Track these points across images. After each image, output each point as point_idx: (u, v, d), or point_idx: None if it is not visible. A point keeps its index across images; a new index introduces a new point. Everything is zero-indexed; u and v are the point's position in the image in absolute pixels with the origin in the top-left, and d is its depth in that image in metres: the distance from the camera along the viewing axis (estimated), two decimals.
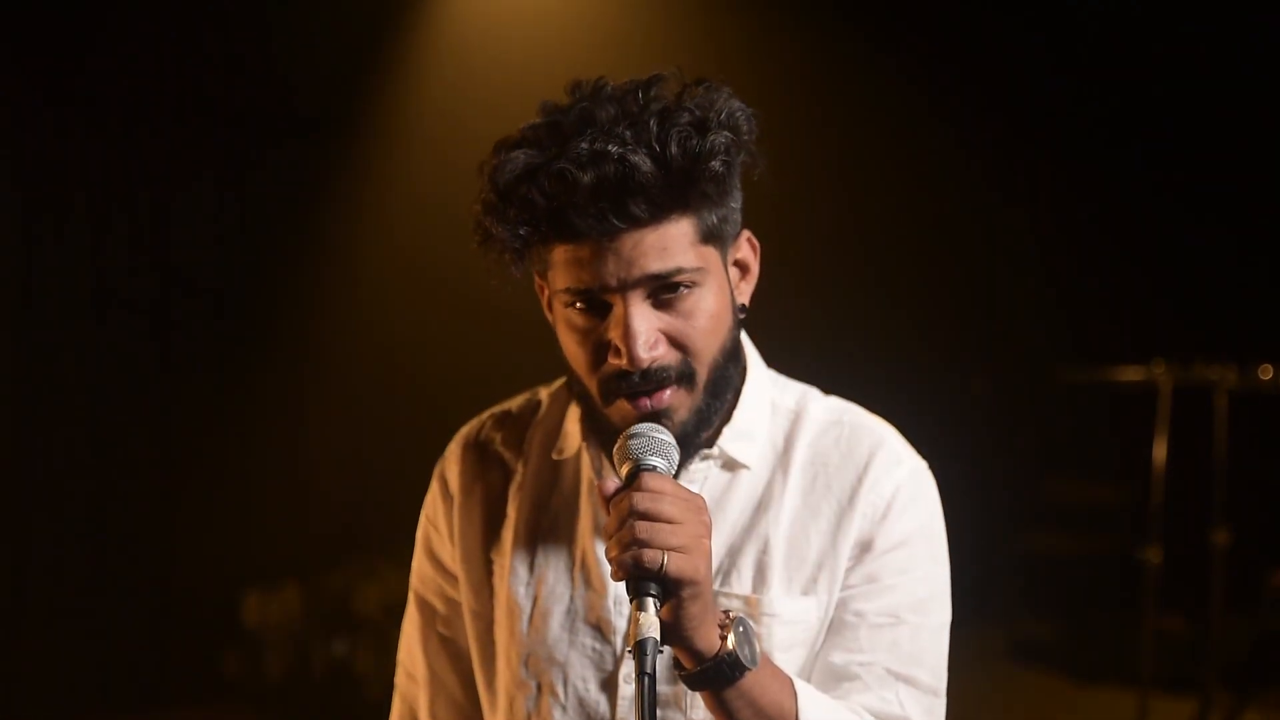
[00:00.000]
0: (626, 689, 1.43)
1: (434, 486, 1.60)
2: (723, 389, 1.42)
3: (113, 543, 5.02)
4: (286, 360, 5.43)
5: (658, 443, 1.30)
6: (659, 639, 1.19)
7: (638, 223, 1.29)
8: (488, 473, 1.56)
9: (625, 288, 1.31)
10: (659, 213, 1.30)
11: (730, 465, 1.48)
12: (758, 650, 1.29)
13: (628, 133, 1.28)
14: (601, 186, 1.27)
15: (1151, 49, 5.55)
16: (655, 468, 1.28)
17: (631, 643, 1.19)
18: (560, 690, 1.45)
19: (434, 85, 5.39)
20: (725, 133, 1.30)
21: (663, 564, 1.20)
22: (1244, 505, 4.53)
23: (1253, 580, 5.07)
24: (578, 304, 1.34)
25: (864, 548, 1.44)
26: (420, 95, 5.43)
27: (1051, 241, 6.11)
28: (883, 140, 5.70)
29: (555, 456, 1.53)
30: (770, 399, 1.51)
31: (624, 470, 1.29)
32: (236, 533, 5.20)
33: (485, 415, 1.62)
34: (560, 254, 1.33)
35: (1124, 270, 5.84)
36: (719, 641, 1.26)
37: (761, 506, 1.46)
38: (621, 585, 1.31)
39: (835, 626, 1.44)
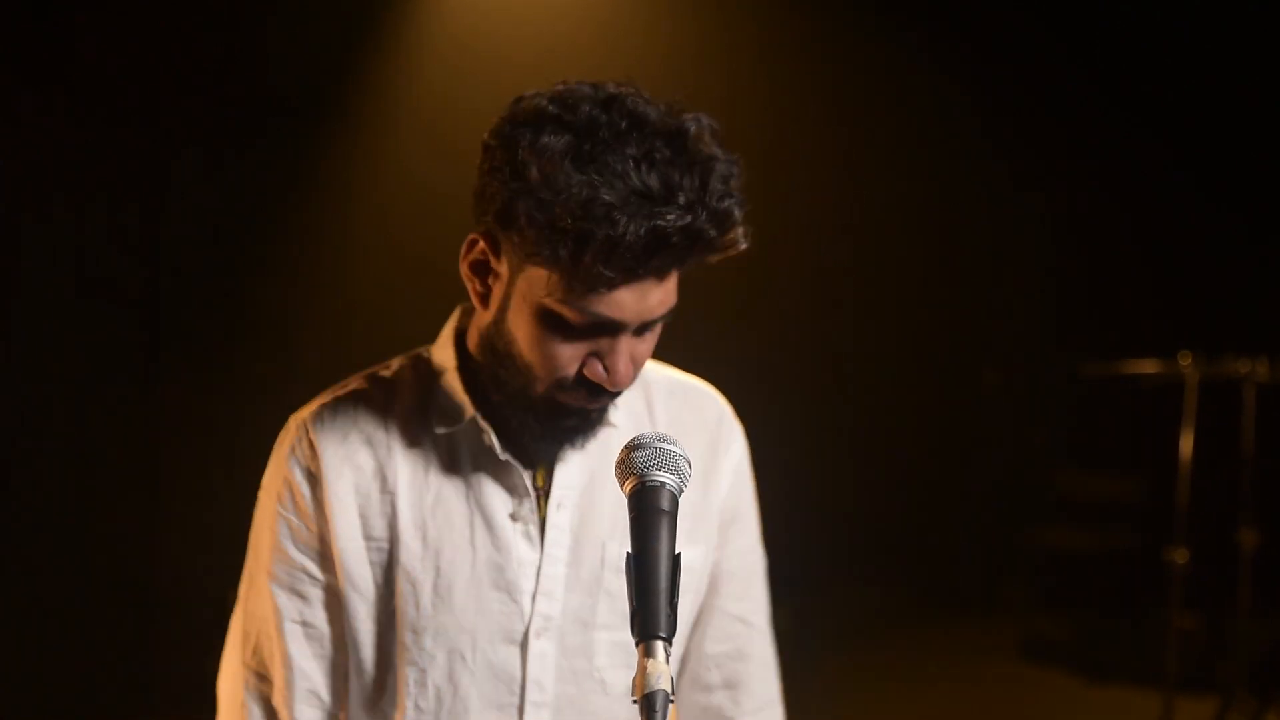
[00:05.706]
0: (537, 644, 1.48)
1: (286, 473, 1.54)
2: None
3: (96, 544, 4.89)
4: (276, 353, 5.30)
5: (666, 455, 1.15)
6: (670, 691, 1.03)
7: (661, 277, 1.36)
8: (355, 453, 1.51)
9: (630, 327, 1.37)
10: (680, 268, 1.38)
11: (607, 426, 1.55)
12: None
13: (687, 215, 1.31)
14: (645, 253, 1.31)
15: (1174, 34, 5.46)
16: (663, 484, 1.13)
17: (638, 694, 1.03)
18: (469, 656, 1.47)
19: (424, 67, 5.27)
20: (737, 201, 1.35)
21: None
22: (1272, 504, 4.43)
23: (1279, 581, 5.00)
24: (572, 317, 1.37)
25: (732, 512, 1.60)
26: (410, 78, 5.31)
27: (1071, 229, 6.06)
28: (895, 126, 5.64)
29: (441, 430, 1.50)
30: None
31: (627, 486, 1.15)
32: (224, 534, 5.09)
33: (327, 396, 1.57)
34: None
35: (1148, 259, 5.77)
36: None
37: None
38: (524, 546, 1.47)
39: (724, 578, 1.61)
